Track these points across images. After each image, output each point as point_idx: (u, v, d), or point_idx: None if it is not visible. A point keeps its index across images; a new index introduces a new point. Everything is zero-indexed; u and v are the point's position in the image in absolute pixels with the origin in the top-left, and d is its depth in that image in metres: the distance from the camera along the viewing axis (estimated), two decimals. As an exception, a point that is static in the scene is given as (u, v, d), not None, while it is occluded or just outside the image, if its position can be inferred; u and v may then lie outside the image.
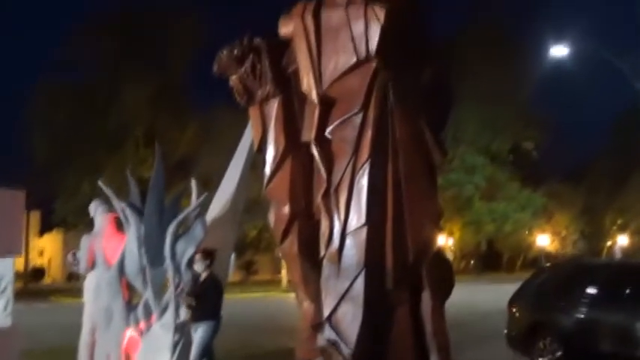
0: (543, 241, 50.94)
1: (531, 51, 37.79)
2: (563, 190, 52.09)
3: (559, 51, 29.13)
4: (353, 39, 6.01)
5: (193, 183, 10.89)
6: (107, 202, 11.23)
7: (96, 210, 11.62)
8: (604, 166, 53.09)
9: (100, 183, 11.28)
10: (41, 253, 74.14)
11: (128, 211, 10.60)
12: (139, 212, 10.66)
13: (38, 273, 65.88)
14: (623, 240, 56.55)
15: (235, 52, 6.78)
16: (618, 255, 52.29)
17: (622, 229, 57.48)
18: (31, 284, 51.70)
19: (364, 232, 5.98)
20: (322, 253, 6.24)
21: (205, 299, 8.50)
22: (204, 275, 8.77)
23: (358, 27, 6.00)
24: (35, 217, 63.08)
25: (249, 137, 10.11)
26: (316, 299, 6.38)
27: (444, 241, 42.70)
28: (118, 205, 10.77)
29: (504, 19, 44.02)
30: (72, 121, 38.61)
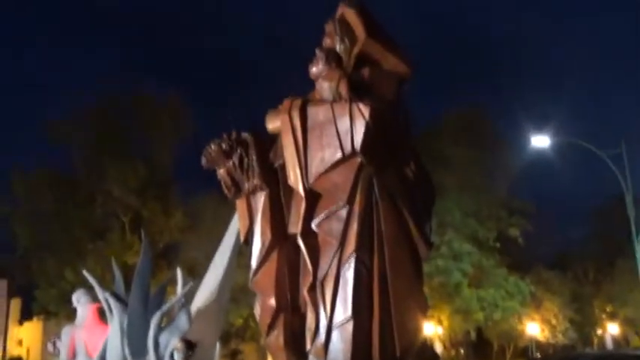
0: (533, 329, 50.31)
1: (513, 141, 38.70)
2: (550, 277, 51.96)
3: (540, 141, 29.84)
4: (338, 135, 6.20)
5: (179, 272, 10.84)
6: (90, 291, 11.12)
7: (79, 300, 11.50)
8: (589, 252, 53.32)
9: (84, 272, 11.19)
10: (20, 343, 71.98)
11: (112, 301, 10.49)
12: (123, 302, 10.55)
13: (16, 363, 63.67)
14: (613, 329, 55.97)
15: (223, 145, 6.93)
16: (609, 344, 51.59)
17: (612, 317, 56.98)
18: (7, 375, 49.88)
19: (350, 325, 5.97)
20: (308, 347, 6.20)
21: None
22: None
23: (344, 123, 6.20)
24: (16, 304, 61.65)
25: (235, 227, 10.19)
26: (302, 394, 6.27)
27: (433, 329, 42.03)
28: (102, 294, 10.66)
29: (486, 109, 45.24)
30: (56, 210, 38.50)
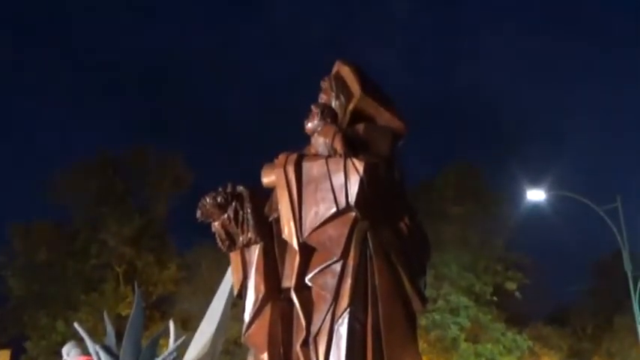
0: (532, 387, 49.45)
1: (510, 195, 38.90)
2: (548, 332, 51.40)
3: (536, 195, 30.01)
4: (333, 190, 6.25)
5: (171, 324, 10.75)
6: (81, 343, 11.00)
7: (69, 353, 11.35)
8: (587, 308, 52.87)
9: (75, 324, 11.09)
10: (7, 396, 70.36)
11: (102, 354, 10.36)
12: (114, 355, 10.42)
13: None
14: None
15: (219, 199, 6.98)
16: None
17: (612, 374, 56.12)
18: None
19: (344, 382, 5.90)
20: (301, 403, 6.11)
21: None
22: None
23: (338, 178, 6.26)
24: (5, 356, 60.55)
25: (229, 280, 10.15)
26: None
27: (430, 385, 41.35)
28: (92, 347, 10.54)
29: (482, 164, 45.64)
30: (51, 261, 38.38)
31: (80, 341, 11.15)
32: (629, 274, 29.78)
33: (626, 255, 29.75)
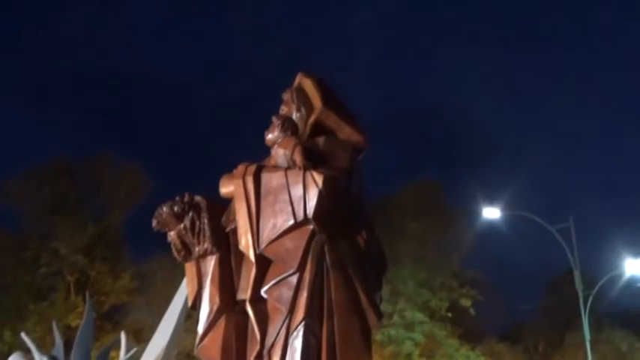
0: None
1: (466, 212, 39.44)
2: (501, 349, 52.06)
3: (491, 213, 30.49)
4: (291, 202, 6.24)
5: (123, 336, 10.54)
6: (28, 354, 10.73)
7: (15, 364, 11.04)
8: (540, 325, 53.77)
9: (22, 334, 10.79)
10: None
11: (50, 366, 10.09)
12: (62, 367, 10.16)
13: None
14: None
15: (175, 208, 6.90)
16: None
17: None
18: None
19: (297, 396, 5.86)
20: (254, 418, 6.03)
21: None
22: None
23: (297, 191, 6.25)
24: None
25: (184, 292, 10.02)
26: None
27: (382, 401, 41.40)
28: (40, 358, 10.27)
29: (440, 182, 46.19)
30: None
31: (27, 352, 10.86)
32: (580, 293, 30.46)
33: (577, 274, 30.44)
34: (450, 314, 45.11)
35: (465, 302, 45.01)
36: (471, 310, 45.65)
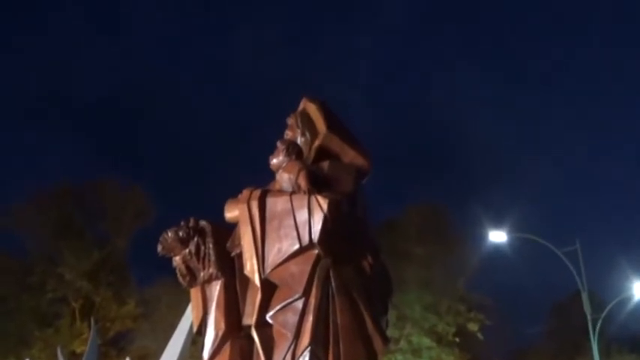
0: None
1: (472, 236, 39.29)
2: (509, 373, 51.52)
3: (498, 236, 30.36)
4: (296, 226, 6.24)
5: (128, 363, 10.47)
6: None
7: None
8: (547, 349, 53.22)
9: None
10: None
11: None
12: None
13: None
14: None
15: (180, 233, 6.90)
16: None
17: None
18: None
19: (303, 423, 5.81)
20: None
21: None
22: None
23: (302, 215, 6.25)
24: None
25: (189, 317, 9.97)
26: None
27: None
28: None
29: (445, 205, 46.08)
30: (4, 295, 37.20)
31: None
32: (589, 316, 30.17)
33: (585, 297, 30.18)
34: (457, 339, 44.74)
35: (473, 326, 44.61)
36: (479, 335, 45.26)
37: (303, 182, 6.37)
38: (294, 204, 6.33)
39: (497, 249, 33.97)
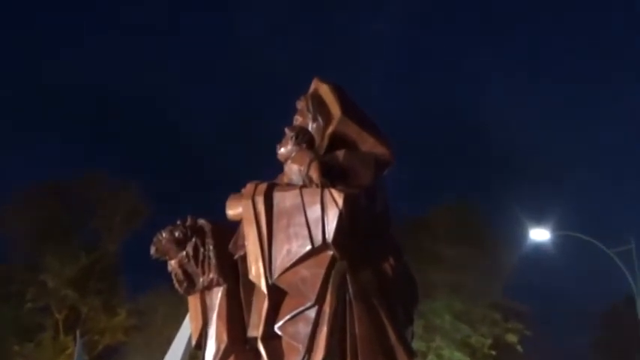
0: None
1: (510, 236, 39.13)
2: (554, 390, 51.49)
3: (540, 234, 30.21)
4: (308, 225, 6.23)
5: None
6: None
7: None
8: (596, 362, 53.19)
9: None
10: None
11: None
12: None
13: None
14: None
15: (176, 233, 6.92)
16: None
17: None
18: None
19: None
20: None
21: None
22: None
23: (314, 212, 6.24)
24: None
25: (187, 329, 10.04)
26: None
27: None
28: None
29: (478, 203, 45.98)
30: None
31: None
32: (643, 324, 29.96)
33: (639, 303, 29.95)
34: (493, 352, 44.68)
35: (511, 338, 44.51)
36: (519, 347, 45.16)
37: (315, 174, 6.37)
38: (305, 199, 6.32)
39: (538, 249, 33.82)
